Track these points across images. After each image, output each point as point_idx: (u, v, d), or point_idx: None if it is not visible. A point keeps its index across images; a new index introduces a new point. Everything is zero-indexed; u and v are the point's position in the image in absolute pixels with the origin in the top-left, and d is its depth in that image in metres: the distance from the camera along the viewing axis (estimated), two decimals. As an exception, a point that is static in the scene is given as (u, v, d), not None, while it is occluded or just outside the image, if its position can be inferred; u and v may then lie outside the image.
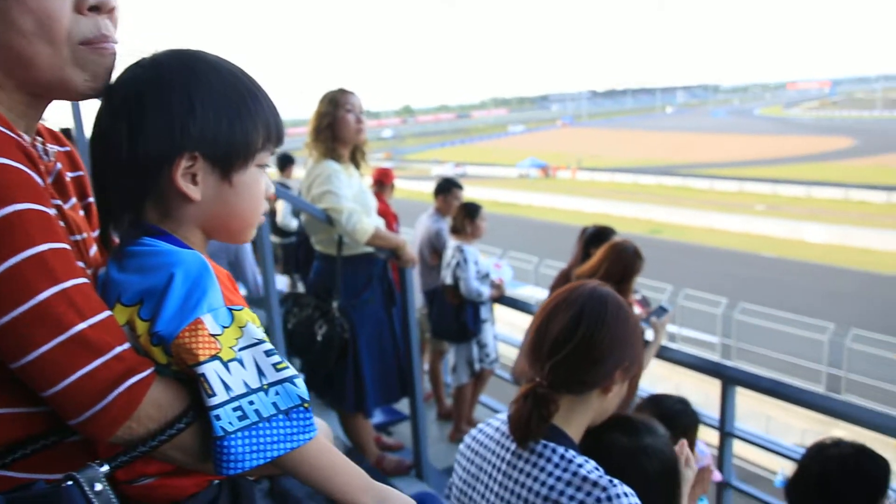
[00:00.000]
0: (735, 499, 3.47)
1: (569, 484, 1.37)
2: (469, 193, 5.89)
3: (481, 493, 1.52)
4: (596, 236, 4.03)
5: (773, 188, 45.83)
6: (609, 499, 1.34)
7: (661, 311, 3.70)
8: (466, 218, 4.87)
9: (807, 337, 16.39)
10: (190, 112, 0.98)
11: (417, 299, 5.54)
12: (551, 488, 1.38)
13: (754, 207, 40.04)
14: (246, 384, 0.95)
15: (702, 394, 7.15)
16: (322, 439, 1.05)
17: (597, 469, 1.40)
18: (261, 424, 0.94)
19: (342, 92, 3.51)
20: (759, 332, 17.15)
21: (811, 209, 38.38)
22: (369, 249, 3.53)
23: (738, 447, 3.59)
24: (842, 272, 25.99)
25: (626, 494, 1.35)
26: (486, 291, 4.79)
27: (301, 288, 5.29)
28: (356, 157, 3.63)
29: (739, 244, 31.25)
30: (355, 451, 3.93)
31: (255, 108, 1.04)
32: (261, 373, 0.96)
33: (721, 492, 3.46)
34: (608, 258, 3.43)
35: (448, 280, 4.86)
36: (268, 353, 0.98)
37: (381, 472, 3.87)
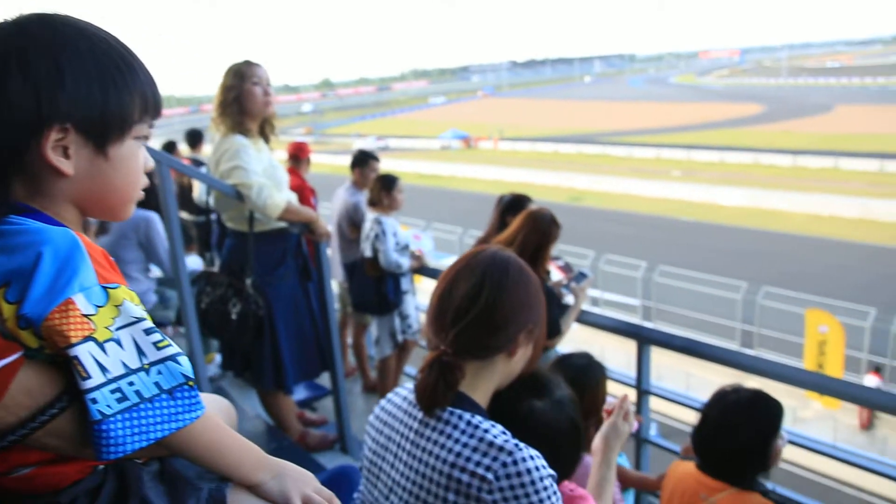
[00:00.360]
0: (653, 453, 3.57)
1: (475, 450, 1.36)
2: (392, 166, 5.85)
3: (391, 463, 1.50)
4: (512, 204, 4.05)
5: (689, 154, 47.16)
6: (515, 462, 1.33)
7: (581, 276, 3.76)
8: (383, 190, 4.82)
9: (722, 296, 17.05)
10: (58, 80, 0.91)
11: (338, 273, 5.49)
12: (458, 455, 1.37)
13: (671, 173, 41.17)
14: (125, 365, 0.90)
15: (629, 354, 7.33)
16: (211, 417, 1.01)
17: (504, 433, 1.40)
18: (142, 405, 0.91)
19: (248, 64, 3.39)
20: (678, 293, 17.75)
21: (724, 174, 39.71)
22: (282, 225, 3.45)
23: (662, 406, 3.70)
24: (753, 233, 27.06)
25: (531, 457, 1.35)
26: (406, 263, 4.77)
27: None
28: (265, 131, 3.52)
29: (657, 209, 32.16)
30: (277, 429, 3.87)
31: (130, 77, 0.98)
32: (141, 352, 0.92)
33: (640, 447, 3.56)
34: (525, 227, 3.45)
35: (367, 253, 4.82)
36: (148, 332, 0.94)
37: (304, 448, 3.83)
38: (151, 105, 1.02)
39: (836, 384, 3.38)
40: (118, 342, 0.90)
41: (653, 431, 2.81)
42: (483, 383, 1.50)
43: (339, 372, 3.75)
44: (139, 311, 0.94)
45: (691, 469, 2.32)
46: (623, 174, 40.76)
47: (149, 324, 0.94)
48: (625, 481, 2.82)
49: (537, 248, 3.43)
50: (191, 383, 0.95)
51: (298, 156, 5.63)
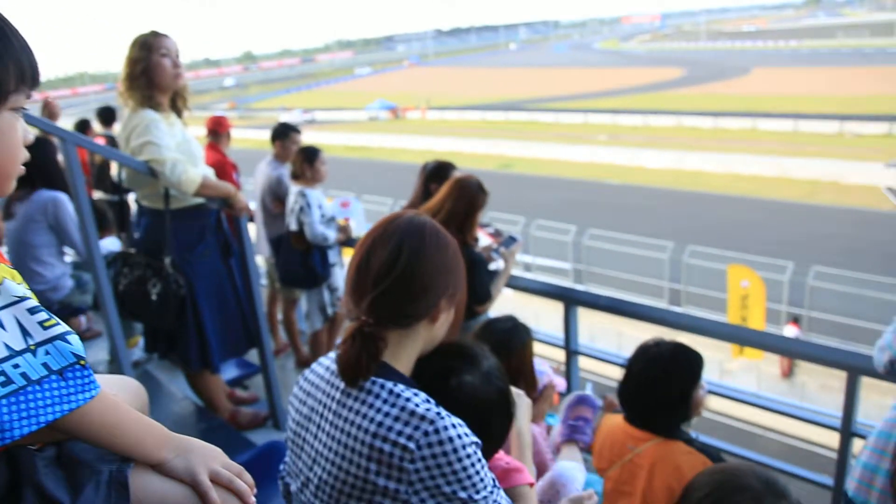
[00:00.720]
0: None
1: (397, 419, 1.34)
2: (319, 139, 5.74)
3: (314, 434, 1.47)
4: (436, 172, 4.02)
5: (614, 119, 47.95)
6: (437, 431, 1.32)
7: (511, 241, 3.77)
8: (305, 162, 4.72)
9: (649, 256, 17.48)
10: None
11: (263, 248, 5.39)
12: (380, 424, 1.35)
13: (597, 138, 41.81)
14: (7, 347, 0.86)
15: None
16: (107, 397, 0.96)
17: (427, 402, 1.38)
18: (30, 388, 0.86)
19: (155, 35, 3.24)
20: (608, 256, 18.13)
21: (648, 137, 40.56)
22: (199, 200, 3.34)
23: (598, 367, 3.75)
24: (678, 194, 27.78)
25: (454, 426, 1.34)
26: (333, 235, 4.71)
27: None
28: (177, 105, 3.40)
29: (585, 173, 32.65)
30: (206, 410, 3.80)
31: (2, 45, 0.92)
32: (25, 333, 0.87)
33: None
34: (452, 194, 3.43)
35: (293, 226, 4.73)
36: (32, 311, 0.88)
37: (235, 427, 3.77)
38: (28, 74, 0.96)
39: (758, 336, 3.50)
40: None
41: (588, 390, 2.86)
42: (406, 351, 1.48)
43: (268, 348, 3.69)
44: (21, 290, 0.89)
45: (619, 422, 2.37)
46: (551, 140, 41.18)
47: (33, 303, 0.90)
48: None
49: (465, 216, 3.42)
50: (82, 363, 0.91)
51: (217, 130, 5.47)
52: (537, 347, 2.55)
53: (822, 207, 24.84)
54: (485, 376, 1.54)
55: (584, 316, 3.49)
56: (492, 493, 1.40)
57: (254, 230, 5.47)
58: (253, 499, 1.06)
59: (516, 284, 3.73)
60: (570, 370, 3.53)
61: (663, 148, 36.07)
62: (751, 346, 11.72)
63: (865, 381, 2.78)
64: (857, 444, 2.78)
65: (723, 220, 23.18)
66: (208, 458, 1.05)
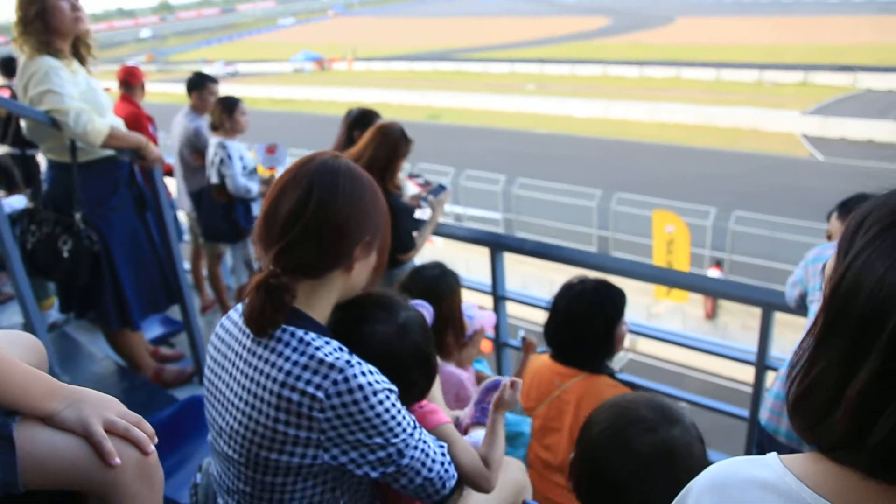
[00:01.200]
0: (513, 356, 3.67)
1: (305, 368, 1.30)
2: (243, 92, 5.52)
3: (226, 383, 1.42)
4: (359, 119, 3.93)
5: (541, 68, 48.01)
6: (346, 380, 1.29)
7: (440, 189, 3.73)
8: (224, 113, 4.55)
9: (578, 204, 17.73)
10: None
11: (184, 203, 5.21)
12: (288, 374, 1.31)
13: (525, 87, 41.84)
14: None
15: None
16: None
17: (338, 350, 1.34)
18: None
19: None
20: (537, 205, 18.30)
21: (576, 86, 40.83)
22: (109, 153, 3.17)
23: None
24: (605, 143, 28.15)
25: (363, 374, 1.31)
26: (255, 187, 4.58)
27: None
28: (80, 52, 3.19)
29: (514, 123, 32.72)
30: (129, 369, 3.69)
31: None
32: None
33: (500, 351, 3.65)
34: (374, 141, 3.36)
35: (214, 179, 4.58)
36: None
37: (160, 385, 3.68)
38: None
39: (678, 276, 3.57)
40: None
41: (521, 334, 2.90)
42: (320, 300, 1.42)
43: (190, 303, 3.58)
44: None
45: (545, 360, 2.40)
46: (479, 90, 41.06)
47: None
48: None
49: (387, 162, 3.36)
50: None
51: (130, 81, 5.21)
52: (465, 295, 2.54)
53: (743, 154, 25.57)
54: (400, 328, 1.50)
55: (516, 265, 3.50)
56: (411, 435, 1.38)
57: (174, 185, 5.29)
58: (152, 448, 1.01)
59: (443, 232, 3.70)
60: (498, 316, 3.55)
61: (590, 97, 36.39)
62: (670, 286, 12.08)
63: (788, 322, 2.88)
64: (770, 377, 2.90)
65: (649, 168, 23.63)
66: (102, 407, 1.00)
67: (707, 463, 1.06)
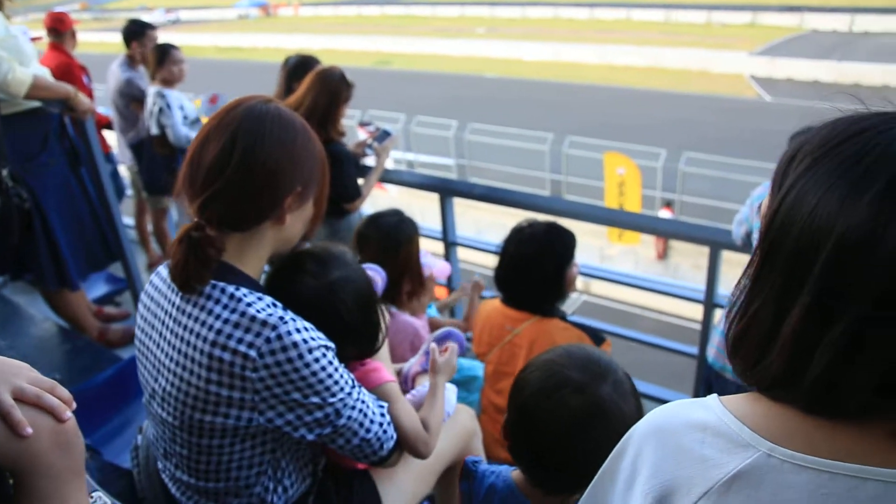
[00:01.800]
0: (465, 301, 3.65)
1: (237, 326, 1.24)
2: (186, 41, 5.27)
3: (157, 343, 1.36)
4: (299, 68, 3.78)
5: (491, 11, 47.46)
6: (279, 337, 1.23)
7: (385, 135, 3.63)
8: (161, 61, 4.35)
9: (530, 148, 17.70)
10: None
11: (125, 156, 5.03)
12: (218, 332, 1.24)
13: (475, 31, 41.30)
14: None
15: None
16: None
17: (271, 306, 1.27)
18: None
19: None
20: (490, 150, 18.21)
21: (526, 29, 40.47)
22: (36, 104, 3.00)
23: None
24: (556, 86, 28.05)
25: (297, 330, 1.25)
26: (197, 136, 4.42)
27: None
28: None
29: (465, 68, 32.36)
30: (71, 330, 3.57)
31: None
32: None
33: (452, 296, 3.63)
34: (314, 88, 3.24)
35: (153, 130, 4.40)
36: None
37: (105, 345, 3.58)
38: None
39: (634, 218, 3.57)
40: None
41: (476, 279, 2.89)
42: (252, 253, 1.34)
43: (132, 260, 3.47)
44: None
45: (496, 305, 2.38)
46: (429, 34, 40.41)
47: None
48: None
49: (328, 109, 3.24)
50: None
51: (58, 28, 4.93)
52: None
53: (693, 96, 25.76)
54: (333, 283, 1.42)
55: (469, 211, 3.46)
56: (350, 394, 1.33)
57: (113, 138, 5.09)
58: (69, 414, 0.94)
59: (391, 179, 3.63)
60: (450, 262, 3.52)
61: (541, 40, 36.13)
62: (621, 228, 12.23)
63: (740, 262, 2.90)
64: (718, 315, 2.94)
65: (600, 111, 23.67)
66: (9, 374, 0.92)
67: (641, 415, 1.06)
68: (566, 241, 2.26)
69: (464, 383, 2.57)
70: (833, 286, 0.66)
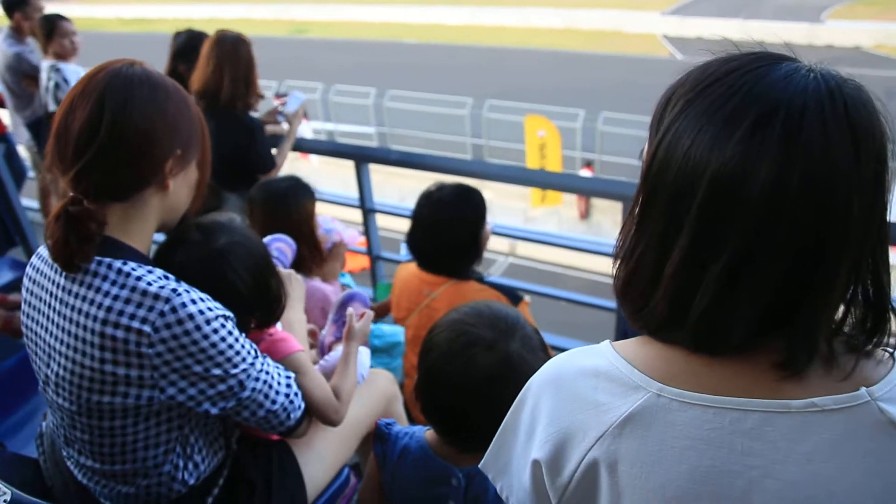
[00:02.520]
0: (386, 268, 3.65)
1: (128, 301, 1.20)
2: (87, 13, 4.96)
3: (44, 327, 1.29)
4: (187, 47, 3.55)
5: (408, -25, 46.74)
6: (174, 309, 1.19)
7: (295, 100, 3.55)
8: (50, 33, 4.13)
9: (451, 114, 17.65)
10: None
11: (22, 135, 4.79)
12: (109, 309, 1.20)
13: (393, -4, 40.72)
14: None
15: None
16: None
17: (163, 279, 1.23)
18: None
19: None
20: (410, 116, 18.08)
21: (443, -7, 40.05)
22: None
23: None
24: (475, 50, 27.99)
25: (193, 301, 1.22)
26: (98, 110, 4.23)
27: None
28: None
29: (382, 34, 31.93)
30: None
31: None
32: None
33: (373, 264, 3.62)
34: (223, 59, 3.08)
35: (51, 106, 4.20)
36: None
37: (11, 335, 3.42)
38: None
39: (558, 178, 3.61)
40: None
41: (403, 251, 2.84)
42: (137, 226, 1.29)
43: (35, 244, 3.33)
44: None
45: (413, 270, 2.38)
46: (347, 1, 39.62)
47: None
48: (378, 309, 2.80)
49: (246, 76, 3.12)
50: None
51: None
52: (337, 210, 2.46)
53: (608, 56, 26.11)
54: (218, 251, 1.38)
55: (393, 178, 3.42)
56: (252, 364, 1.31)
57: (7, 117, 4.83)
58: None
59: (306, 147, 3.58)
60: (368, 229, 3.49)
61: (460, 4, 35.91)
62: (552, 188, 12.37)
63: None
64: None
65: (519, 74, 23.76)
66: None
67: None
68: (476, 202, 2.26)
69: (386, 350, 2.57)
70: (709, 225, 0.67)
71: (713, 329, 0.70)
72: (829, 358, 0.71)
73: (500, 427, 0.90)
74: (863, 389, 0.68)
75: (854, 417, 0.67)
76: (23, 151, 5.01)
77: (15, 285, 4.20)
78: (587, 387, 0.77)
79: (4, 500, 1.27)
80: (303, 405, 1.43)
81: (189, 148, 1.32)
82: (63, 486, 1.47)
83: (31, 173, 5.13)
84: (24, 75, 4.53)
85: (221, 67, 3.06)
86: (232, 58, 3.08)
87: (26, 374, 2.53)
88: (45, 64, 4.21)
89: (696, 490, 0.69)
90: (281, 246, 2.01)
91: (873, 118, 0.66)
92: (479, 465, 0.94)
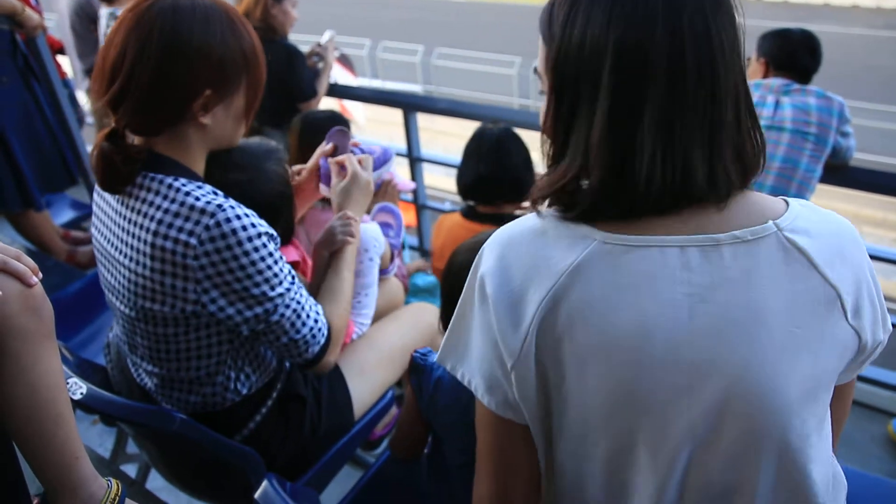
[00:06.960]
0: (431, 216, 3.71)
1: (177, 215, 1.26)
2: None
3: (109, 241, 1.39)
4: None
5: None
6: (218, 224, 1.25)
7: (326, 34, 3.64)
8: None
9: (498, 73, 17.47)
10: None
11: (82, 82, 4.91)
12: (160, 222, 1.27)
13: (442, -47, 40.13)
14: None
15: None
16: None
17: (212, 194, 1.30)
18: None
19: None
20: (457, 75, 17.94)
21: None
22: (-19, 20, 2.93)
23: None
24: (522, 9, 27.53)
25: (238, 217, 1.27)
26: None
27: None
28: None
29: (432, -9, 31.56)
30: (39, 252, 3.58)
31: None
32: None
33: (419, 213, 3.68)
34: None
35: (109, 52, 4.29)
36: None
37: (76, 267, 3.60)
38: None
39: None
40: None
41: (447, 207, 2.89)
42: (183, 148, 1.35)
43: (94, 181, 3.45)
44: None
45: (458, 219, 2.42)
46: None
47: None
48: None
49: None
50: None
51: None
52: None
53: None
54: (260, 173, 1.50)
55: (439, 138, 3.45)
56: (288, 290, 1.36)
57: (67, 64, 4.96)
58: (35, 279, 0.99)
59: (352, 94, 3.63)
60: (416, 179, 3.55)
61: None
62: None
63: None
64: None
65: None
66: None
67: None
68: (524, 144, 2.32)
69: (429, 290, 2.64)
70: (625, 83, 0.76)
71: (651, 187, 0.77)
72: (740, 197, 0.81)
73: (454, 316, 0.94)
74: (770, 222, 0.78)
75: (769, 246, 0.77)
76: (82, 98, 5.15)
77: (76, 223, 4.39)
78: (537, 245, 0.83)
79: (81, 393, 1.39)
80: (324, 340, 1.47)
81: (225, 85, 1.33)
82: (129, 392, 1.58)
83: (90, 119, 5.27)
84: (90, 20, 4.64)
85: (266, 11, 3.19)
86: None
87: (94, 295, 2.69)
88: (103, 11, 4.29)
89: (645, 322, 0.77)
90: (386, 218, 2.07)
91: None
92: (436, 359, 0.98)
